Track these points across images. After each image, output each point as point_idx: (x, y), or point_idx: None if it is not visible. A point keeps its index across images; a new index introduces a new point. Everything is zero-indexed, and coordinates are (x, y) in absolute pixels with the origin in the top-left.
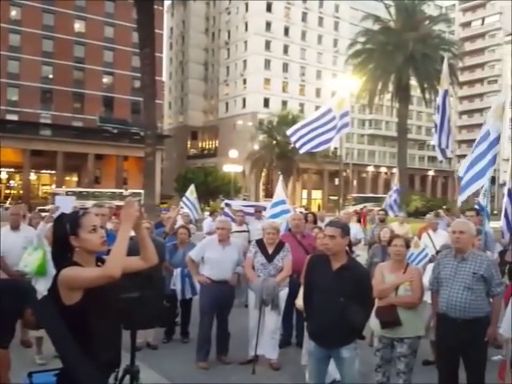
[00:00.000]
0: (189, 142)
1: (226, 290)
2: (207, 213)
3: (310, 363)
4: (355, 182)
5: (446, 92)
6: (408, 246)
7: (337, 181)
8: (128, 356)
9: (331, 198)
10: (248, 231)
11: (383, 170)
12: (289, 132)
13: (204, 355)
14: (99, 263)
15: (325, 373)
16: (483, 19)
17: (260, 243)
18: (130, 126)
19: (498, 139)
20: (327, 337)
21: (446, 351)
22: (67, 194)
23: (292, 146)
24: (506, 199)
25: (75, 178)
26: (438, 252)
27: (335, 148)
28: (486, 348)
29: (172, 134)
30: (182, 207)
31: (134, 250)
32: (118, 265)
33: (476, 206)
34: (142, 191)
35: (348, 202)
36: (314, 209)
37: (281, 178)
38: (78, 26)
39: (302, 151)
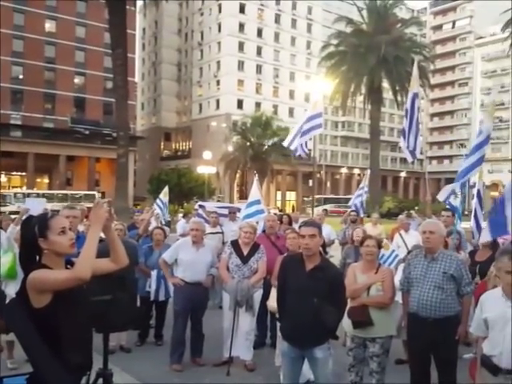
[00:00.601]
0: (162, 144)
1: (199, 291)
2: (181, 214)
3: (283, 364)
4: (329, 184)
5: (415, 94)
6: (380, 247)
7: (310, 182)
8: (101, 359)
9: (305, 199)
10: (222, 233)
11: (356, 171)
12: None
13: (178, 357)
14: (69, 266)
15: (299, 373)
16: (454, 22)
17: (235, 244)
18: (102, 127)
19: (487, 139)
20: (301, 337)
21: (418, 350)
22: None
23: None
24: (475, 200)
25: (46, 180)
26: (409, 252)
27: (309, 149)
28: (456, 346)
29: (145, 136)
30: (155, 209)
31: (104, 251)
32: (87, 267)
33: (447, 206)
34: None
35: (309, 204)
36: (289, 210)
37: (256, 177)
38: (49, 25)
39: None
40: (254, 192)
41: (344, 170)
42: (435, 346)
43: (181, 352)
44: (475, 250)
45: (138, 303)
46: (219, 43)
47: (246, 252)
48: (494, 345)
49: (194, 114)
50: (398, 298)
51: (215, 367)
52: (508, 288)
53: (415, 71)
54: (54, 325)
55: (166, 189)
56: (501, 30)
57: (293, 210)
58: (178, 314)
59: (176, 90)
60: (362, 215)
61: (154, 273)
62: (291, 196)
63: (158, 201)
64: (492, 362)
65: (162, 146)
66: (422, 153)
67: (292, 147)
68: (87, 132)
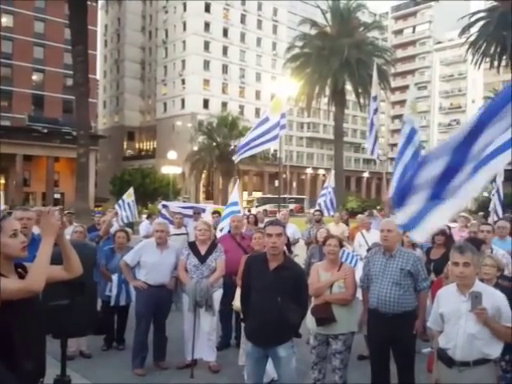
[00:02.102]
0: (125, 143)
1: (163, 294)
2: (145, 216)
3: (247, 364)
4: (294, 184)
5: (374, 98)
6: (342, 246)
7: (276, 182)
8: (59, 366)
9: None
10: (187, 234)
11: (321, 171)
12: (237, 148)
13: (140, 362)
14: (19, 269)
15: (262, 373)
16: (414, 27)
17: (192, 245)
18: (61, 125)
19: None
20: (264, 336)
21: (378, 345)
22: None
23: (233, 147)
24: None
25: (2, 181)
26: (368, 250)
27: (275, 150)
28: (414, 341)
29: (107, 135)
30: (117, 210)
31: (58, 258)
32: (40, 279)
33: None
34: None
35: (251, 204)
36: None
37: (237, 182)
38: (6, 20)
39: (236, 160)
40: (234, 194)
41: (309, 171)
42: (394, 340)
43: (143, 356)
44: (430, 248)
45: (99, 307)
46: (184, 42)
47: (203, 251)
48: (448, 338)
49: (159, 113)
50: (359, 294)
51: (179, 370)
52: (456, 279)
53: (375, 75)
54: (3, 331)
55: (131, 190)
56: (458, 36)
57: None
58: (140, 318)
59: (139, 89)
60: (332, 214)
61: (114, 277)
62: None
63: (120, 202)
64: (447, 355)
65: (125, 146)
66: (378, 154)
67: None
68: (45, 130)
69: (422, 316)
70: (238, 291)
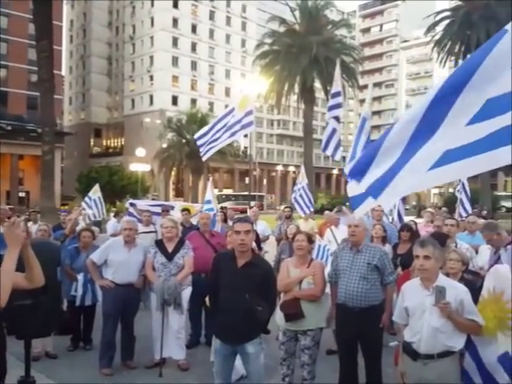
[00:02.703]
0: (92, 140)
1: (131, 293)
2: (112, 214)
3: (216, 361)
4: (265, 181)
5: (336, 93)
6: (311, 241)
7: (247, 180)
8: (23, 366)
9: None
10: (155, 232)
11: (291, 168)
12: (196, 137)
13: (108, 361)
14: None
15: (231, 370)
16: (381, 26)
17: (159, 243)
18: (25, 122)
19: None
20: (233, 333)
21: (345, 339)
22: None
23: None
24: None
25: None
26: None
27: (245, 147)
28: (381, 334)
29: (73, 132)
30: (83, 208)
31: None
32: (4, 292)
33: None
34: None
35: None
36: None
37: (211, 179)
38: None
39: (204, 158)
40: (209, 192)
41: (280, 168)
42: (361, 334)
43: (111, 355)
44: (397, 243)
45: (65, 307)
46: (152, 38)
47: (170, 249)
48: (413, 332)
49: (127, 110)
50: (328, 289)
51: (147, 369)
52: (417, 272)
53: (337, 71)
54: None
55: (97, 186)
56: (424, 34)
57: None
58: (107, 317)
59: (106, 85)
60: (302, 213)
61: (80, 276)
62: None
63: (86, 199)
64: (412, 348)
65: (91, 143)
66: (332, 152)
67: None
68: (9, 127)
69: (388, 310)
70: None
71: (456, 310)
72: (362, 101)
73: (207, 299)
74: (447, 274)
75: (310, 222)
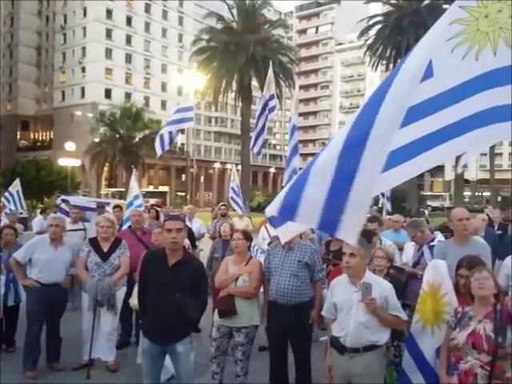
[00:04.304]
0: (18, 133)
1: (57, 293)
2: (39, 210)
3: (144, 362)
4: (202, 178)
5: (271, 96)
6: (248, 239)
7: (184, 177)
8: None
9: (179, 194)
10: (84, 229)
11: (229, 166)
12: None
13: (32, 364)
14: None
15: (160, 370)
16: (317, 28)
17: (94, 241)
18: None
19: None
20: (163, 333)
21: (276, 336)
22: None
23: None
24: None
25: None
26: (269, 243)
27: (182, 144)
28: (310, 330)
29: None
30: (4, 204)
31: None
32: None
33: None
34: None
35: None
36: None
37: (134, 171)
38: None
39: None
40: (135, 187)
41: (217, 165)
42: (292, 330)
43: (35, 358)
44: (330, 241)
45: None
46: (84, 28)
47: (106, 248)
48: (341, 327)
49: (56, 102)
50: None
51: (74, 371)
52: (344, 269)
53: (270, 72)
54: None
55: (17, 181)
56: (357, 38)
57: (165, 205)
58: (31, 318)
59: (35, 76)
60: (241, 212)
61: (2, 276)
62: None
63: (6, 194)
64: (339, 342)
65: (18, 136)
66: (259, 150)
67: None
68: None
69: (317, 305)
70: (136, 288)
71: (381, 306)
72: (299, 101)
73: (130, 300)
74: (374, 271)
75: (245, 220)
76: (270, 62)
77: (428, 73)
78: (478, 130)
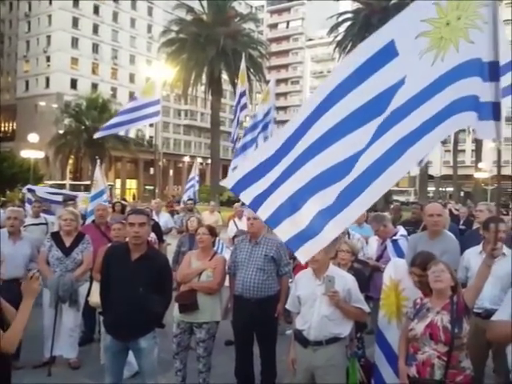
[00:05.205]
0: None
1: (15, 288)
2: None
3: (106, 359)
4: (171, 172)
5: (242, 93)
6: (214, 234)
7: (152, 170)
8: None
9: (147, 187)
10: (46, 223)
11: (199, 160)
12: (98, 134)
13: None
14: None
15: (122, 367)
16: (288, 23)
17: (56, 236)
18: None
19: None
20: (125, 329)
21: (242, 330)
22: None
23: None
24: None
25: None
26: (234, 237)
27: (150, 137)
28: (276, 324)
29: None
30: None
31: None
32: (15, 342)
33: None
34: None
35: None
36: (129, 199)
37: (98, 163)
38: None
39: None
40: (100, 181)
41: (187, 159)
42: (257, 324)
43: None
44: None
45: None
46: (50, 16)
47: (68, 243)
48: (304, 320)
49: (19, 92)
50: (227, 282)
51: (35, 369)
52: (309, 263)
53: (243, 66)
54: None
55: None
56: (327, 34)
57: (133, 199)
58: None
59: None
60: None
61: None
62: (132, 184)
63: None
64: (303, 336)
65: None
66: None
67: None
68: None
69: (283, 299)
70: (95, 285)
71: (344, 299)
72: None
73: (89, 298)
74: (338, 265)
75: (215, 215)
76: (243, 55)
77: (400, 82)
78: (440, 125)
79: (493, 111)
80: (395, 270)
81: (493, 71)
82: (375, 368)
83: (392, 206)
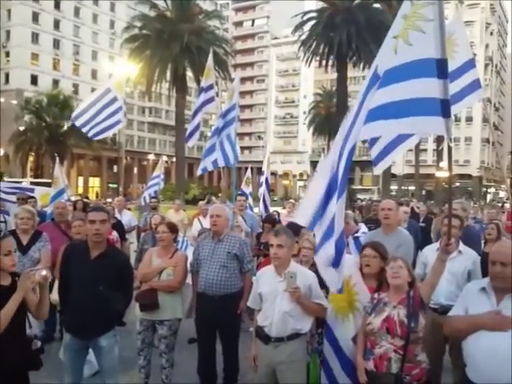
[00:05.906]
0: None
1: None
2: None
3: (65, 358)
4: (135, 170)
5: (209, 86)
6: (174, 231)
7: (116, 168)
8: None
9: (111, 185)
10: (5, 222)
11: (164, 158)
12: (73, 117)
13: None
14: (16, 278)
15: (82, 366)
16: (253, 21)
17: (12, 234)
18: None
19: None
20: (85, 328)
21: (204, 327)
22: None
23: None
24: (263, 186)
25: None
26: (199, 235)
27: (114, 134)
28: (239, 321)
29: None
30: None
31: None
32: (2, 325)
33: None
34: None
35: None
36: (92, 197)
37: (57, 160)
38: None
39: (95, 138)
40: (60, 179)
41: (151, 157)
42: (220, 321)
43: None
44: (261, 233)
45: None
46: (9, 11)
47: (25, 241)
48: (265, 316)
49: None
50: (189, 279)
51: None
52: (272, 260)
53: (210, 60)
54: None
55: None
56: (292, 33)
57: (97, 197)
58: None
59: None
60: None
61: None
62: (95, 182)
63: None
64: (264, 332)
65: None
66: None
67: (89, 131)
68: None
69: (245, 296)
70: (57, 283)
71: (305, 295)
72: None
73: (50, 295)
74: (301, 262)
75: (181, 213)
76: (211, 50)
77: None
78: (403, 120)
79: (441, 108)
80: (345, 266)
81: (440, 68)
82: (325, 361)
83: (364, 204)
